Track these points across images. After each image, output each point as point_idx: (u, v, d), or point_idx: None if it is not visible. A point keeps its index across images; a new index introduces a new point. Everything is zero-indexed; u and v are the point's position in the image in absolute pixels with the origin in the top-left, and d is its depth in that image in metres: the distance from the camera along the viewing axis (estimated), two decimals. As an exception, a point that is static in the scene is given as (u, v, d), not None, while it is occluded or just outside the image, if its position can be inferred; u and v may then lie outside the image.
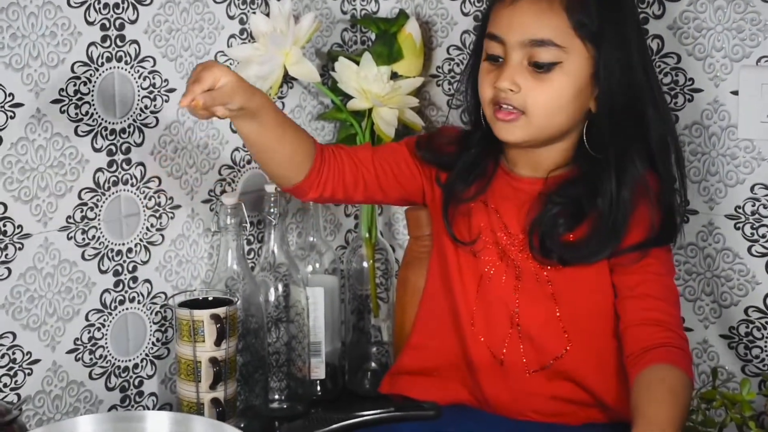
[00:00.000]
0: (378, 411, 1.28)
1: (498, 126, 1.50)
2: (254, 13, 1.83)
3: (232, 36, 1.82)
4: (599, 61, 1.46)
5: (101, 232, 1.69)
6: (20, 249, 1.60)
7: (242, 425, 1.69)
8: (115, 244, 1.71)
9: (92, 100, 1.65)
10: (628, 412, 1.41)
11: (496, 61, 1.49)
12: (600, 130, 1.48)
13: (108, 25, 1.66)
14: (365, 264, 1.95)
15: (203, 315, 1.66)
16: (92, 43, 1.64)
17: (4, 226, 1.58)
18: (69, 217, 1.65)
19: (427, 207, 1.65)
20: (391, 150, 1.64)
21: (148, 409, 1.77)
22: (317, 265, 1.94)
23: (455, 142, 1.61)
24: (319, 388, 1.90)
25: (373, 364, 1.97)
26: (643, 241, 1.47)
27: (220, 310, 1.67)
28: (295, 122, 1.58)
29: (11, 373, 1.61)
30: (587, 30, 1.45)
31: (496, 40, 1.49)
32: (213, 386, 1.67)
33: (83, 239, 1.67)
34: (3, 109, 1.56)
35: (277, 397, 1.84)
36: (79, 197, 1.66)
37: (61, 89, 1.61)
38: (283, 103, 1.92)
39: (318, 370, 1.89)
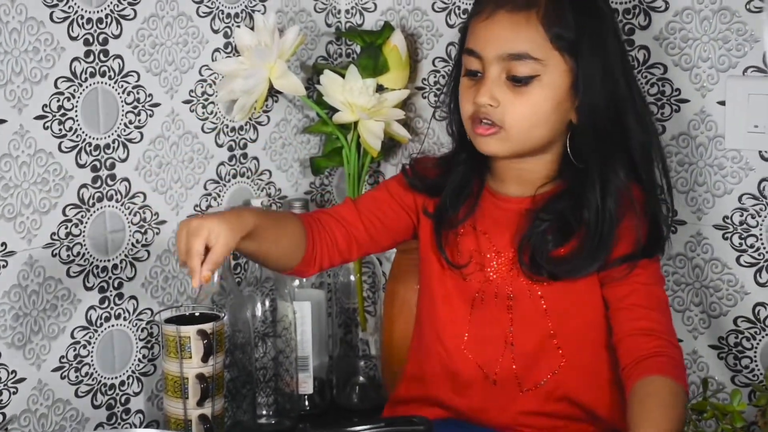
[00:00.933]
0: (368, 426, 1.27)
1: (478, 140, 1.50)
2: (238, 26, 1.82)
3: (217, 50, 1.81)
4: (578, 72, 1.46)
5: (86, 249, 1.68)
6: (4, 267, 1.58)
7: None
8: (101, 261, 1.70)
9: (76, 116, 1.64)
10: (622, 423, 1.42)
11: (475, 76, 1.49)
12: (582, 141, 1.48)
13: (91, 40, 1.64)
14: (352, 277, 1.94)
15: (190, 331, 1.65)
16: (75, 59, 1.63)
17: (-12, 243, 1.57)
18: (53, 233, 1.64)
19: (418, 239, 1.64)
20: (373, 199, 1.63)
21: (135, 426, 1.76)
22: (304, 279, 1.93)
23: (438, 166, 1.61)
24: (307, 402, 1.90)
25: (361, 378, 1.96)
26: (630, 253, 1.47)
27: (207, 326, 1.65)
28: (280, 213, 1.60)
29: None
30: (565, 42, 1.45)
31: (473, 56, 1.49)
32: (200, 403, 1.66)
33: (68, 256, 1.65)
34: (-14, 126, 1.55)
35: (264, 412, 1.83)
36: (64, 214, 1.64)
37: (45, 105, 1.60)
38: (268, 116, 1.91)
39: (306, 385, 1.88)
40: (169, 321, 1.68)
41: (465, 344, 1.54)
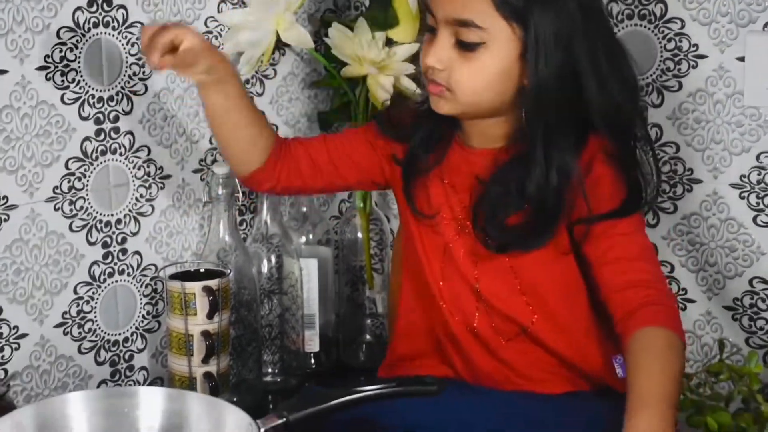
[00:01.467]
0: (379, 386, 1.24)
1: (431, 98, 1.48)
2: (245, -23, 1.78)
3: (223, 1, 1.77)
4: (527, 40, 1.40)
5: (89, 203, 1.65)
6: (6, 220, 1.55)
7: (235, 399, 1.65)
8: (104, 215, 1.67)
9: (79, 67, 1.61)
10: (609, 377, 1.41)
11: (433, 33, 1.46)
12: (529, 110, 1.43)
13: (95, -11, 1.61)
14: (359, 235, 1.91)
15: (195, 287, 1.62)
16: (78, 8, 1.59)
17: (-11, 196, 1.54)
18: (56, 187, 1.60)
19: (390, 187, 1.62)
20: (346, 134, 1.64)
21: (139, 383, 1.74)
22: (310, 236, 1.90)
23: (412, 114, 1.58)
24: (313, 360, 1.87)
25: (367, 337, 1.94)
26: (607, 212, 1.43)
27: (213, 283, 1.63)
28: (258, 111, 1.58)
29: (-2, 348, 1.57)
30: (512, 10, 1.39)
31: (429, 12, 1.46)
32: (205, 360, 1.64)
33: (71, 210, 1.62)
34: (-13, 76, 1.51)
35: (270, 370, 1.81)
36: (66, 167, 1.61)
37: (47, 56, 1.57)
38: (275, 70, 1.87)
39: (312, 343, 1.86)
40: (173, 277, 1.65)
41: (442, 297, 1.53)
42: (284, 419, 1.22)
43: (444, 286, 1.53)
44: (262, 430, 1.21)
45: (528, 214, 1.44)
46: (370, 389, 1.25)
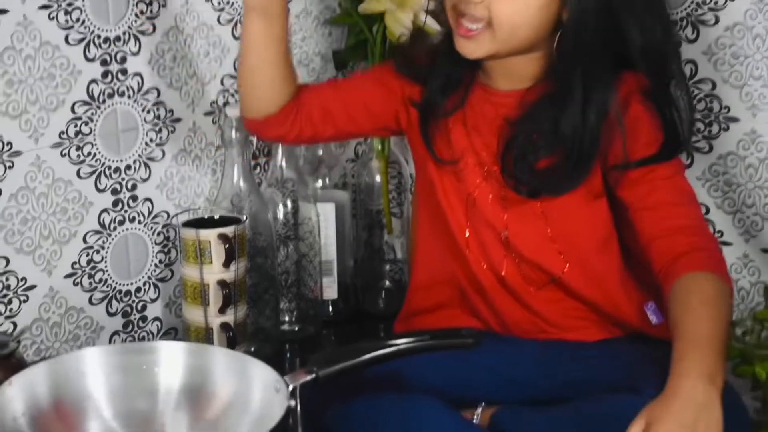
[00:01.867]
0: (413, 340, 1.17)
1: (460, 42, 1.40)
2: None
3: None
4: None
5: (97, 149, 1.58)
6: (10, 168, 1.49)
7: (253, 349, 1.59)
8: (113, 161, 1.60)
9: (83, 6, 1.54)
10: (644, 325, 1.37)
11: None
12: (568, 43, 1.37)
13: None
14: (378, 178, 1.85)
15: (210, 235, 1.56)
16: (82, -58, 1.52)
17: (-7, 143, 1.48)
18: (62, 132, 1.54)
19: (405, 133, 1.55)
20: (359, 78, 1.58)
21: (152, 334, 1.69)
22: (326, 180, 1.84)
23: (430, 52, 1.51)
24: (330, 308, 1.82)
25: (387, 283, 1.88)
26: (647, 156, 1.37)
27: (228, 230, 1.57)
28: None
29: (5, 300, 1.52)
30: None
31: None
32: (222, 310, 1.58)
33: (78, 156, 1.56)
34: (-13, 16, 1.44)
35: (287, 318, 1.76)
36: (72, 111, 1.55)
37: (50, -7, 1.49)
38: (288, 7, 1.79)
39: (330, 290, 1.81)
40: (187, 224, 1.59)
41: (468, 246, 1.47)
42: (314, 375, 1.16)
43: (470, 234, 1.47)
44: (291, 387, 1.15)
45: (561, 155, 1.38)
46: (403, 343, 1.18)
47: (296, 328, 1.76)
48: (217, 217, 1.62)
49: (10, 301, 1.51)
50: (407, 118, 1.52)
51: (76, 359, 1.25)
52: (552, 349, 1.44)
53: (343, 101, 1.52)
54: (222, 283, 1.57)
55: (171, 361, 1.25)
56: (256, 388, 1.18)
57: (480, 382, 1.40)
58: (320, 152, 1.84)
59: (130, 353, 1.27)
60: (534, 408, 1.36)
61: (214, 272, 1.57)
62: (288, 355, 1.72)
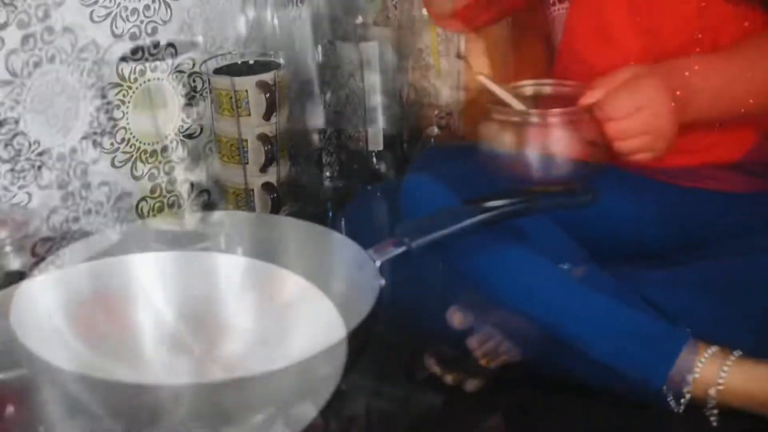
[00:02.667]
0: (517, 201, 0.98)
1: None
2: None
3: None
4: None
5: (111, -13, 1.36)
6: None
7: (296, 210, 1.41)
8: (129, 0, 1.38)
9: None
10: None
11: None
12: None
13: None
14: (424, 11, 1.63)
15: (247, 83, 1.37)
16: None
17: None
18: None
19: None
20: None
21: (183, 199, 1.49)
22: (367, 16, 1.63)
23: None
24: (375, 160, 1.63)
25: (436, 129, 1.69)
26: None
27: (268, 76, 1.37)
28: None
29: (17, 168, 1.31)
30: None
31: None
32: (264, 169, 1.40)
33: (90, -3, 1.34)
34: None
35: (329, 174, 1.58)
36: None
37: None
38: None
39: (376, 141, 1.61)
40: (218, 71, 1.38)
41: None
42: (405, 247, 0.97)
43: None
44: (378, 263, 0.96)
45: None
46: (507, 204, 0.99)
47: (340, 184, 1.62)
48: (251, 62, 1.42)
49: (22, 169, 1.32)
50: None
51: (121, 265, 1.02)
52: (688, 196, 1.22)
53: None
54: (263, 138, 1.38)
55: (233, 234, 1.04)
56: (338, 266, 0.99)
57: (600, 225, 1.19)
58: (358, -16, 1.63)
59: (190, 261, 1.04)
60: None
61: (254, 125, 1.38)
62: (330, 213, 1.55)
